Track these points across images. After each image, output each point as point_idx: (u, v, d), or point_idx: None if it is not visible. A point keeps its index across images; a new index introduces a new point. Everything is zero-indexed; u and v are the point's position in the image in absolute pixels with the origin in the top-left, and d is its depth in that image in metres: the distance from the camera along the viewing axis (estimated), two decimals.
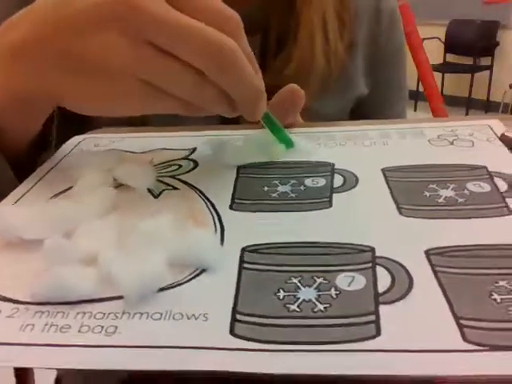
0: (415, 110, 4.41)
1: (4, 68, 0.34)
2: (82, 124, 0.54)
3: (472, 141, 0.41)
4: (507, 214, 0.31)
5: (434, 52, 4.28)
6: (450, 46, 4.71)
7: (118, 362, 0.22)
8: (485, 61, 4.59)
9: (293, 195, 0.35)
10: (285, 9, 0.55)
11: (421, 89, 3.34)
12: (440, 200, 0.33)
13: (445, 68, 4.65)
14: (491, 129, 0.43)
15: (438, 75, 3.92)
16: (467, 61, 4.62)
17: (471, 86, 4.52)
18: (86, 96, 0.34)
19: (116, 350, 0.23)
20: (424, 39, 3.33)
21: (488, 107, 4.66)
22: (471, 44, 4.42)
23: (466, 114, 4.49)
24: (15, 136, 0.38)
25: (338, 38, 0.57)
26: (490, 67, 4.58)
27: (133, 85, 0.32)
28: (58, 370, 0.58)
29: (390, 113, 0.69)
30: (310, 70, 0.55)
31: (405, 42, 0.68)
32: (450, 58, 4.78)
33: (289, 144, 0.41)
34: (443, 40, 4.70)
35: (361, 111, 0.64)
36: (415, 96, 4.22)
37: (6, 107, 0.34)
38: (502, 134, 0.41)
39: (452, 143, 0.41)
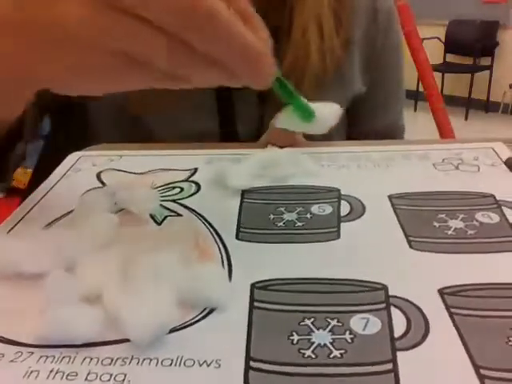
0: (415, 110, 4.40)
1: None
2: (82, 139, 0.54)
3: (477, 165, 0.41)
4: None
5: (434, 52, 4.27)
6: (450, 46, 4.70)
7: None
8: (485, 61, 4.58)
9: (299, 224, 0.34)
10: (279, 6, 0.54)
11: (421, 89, 3.34)
12: (450, 232, 0.32)
13: (445, 68, 4.64)
14: (495, 152, 0.43)
15: (437, 75, 3.91)
16: (467, 61, 4.62)
17: (471, 86, 4.51)
18: (61, 72, 0.30)
19: None
20: (424, 39, 3.31)
21: (488, 107, 4.66)
22: (471, 44, 4.41)
23: (466, 114, 4.49)
24: None
25: (333, 36, 0.56)
26: (489, 67, 4.57)
27: (103, 57, 0.29)
28: None
29: (387, 113, 0.68)
30: (305, 67, 0.54)
31: (402, 41, 0.68)
32: (450, 58, 4.77)
33: (308, 114, 0.35)
34: (443, 40, 4.69)
35: (358, 111, 0.64)
36: (415, 96, 4.21)
37: None
38: (508, 159, 0.41)
39: (457, 167, 0.41)
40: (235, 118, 0.58)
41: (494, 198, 0.36)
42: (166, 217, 0.36)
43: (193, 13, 0.26)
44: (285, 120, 0.35)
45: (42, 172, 0.42)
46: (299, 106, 0.35)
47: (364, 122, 0.66)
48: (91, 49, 0.29)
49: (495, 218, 0.34)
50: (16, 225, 0.36)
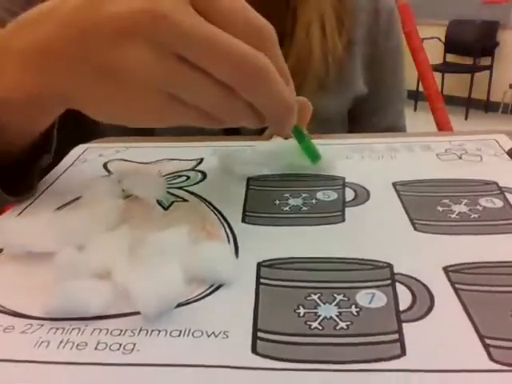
0: (415, 110, 4.40)
1: (24, 64, 0.32)
2: (87, 132, 0.54)
3: (480, 155, 0.41)
4: None
5: (434, 52, 4.28)
6: (450, 45, 4.70)
7: (137, 381, 0.22)
8: (485, 61, 4.58)
9: (305, 209, 0.35)
10: (283, 7, 0.55)
11: (421, 89, 3.34)
12: (453, 216, 0.33)
13: (445, 68, 4.65)
14: (498, 143, 0.43)
15: (437, 75, 3.91)
16: (467, 61, 4.62)
17: (471, 86, 4.51)
18: (105, 104, 0.32)
19: (135, 368, 0.22)
20: (424, 39, 3.31)
21: (488, 107, 4.66)
22: (471, 44, 4.41)
23: (466, 114, 4.49)
24: (19, 133, 0.37)
25: (336, 36, 0.57)
26: (489, 67, 4.58)
27: (157, 98, 0.30)
28: None
29: (389, 113, 0.68)
30: (308, 67, 0.55)
31: (403, 42, 0.68)
32: (450, 57, 4.78)
33: (315, 157, 0.39)
34: (443, 40, 4.70)
35: (359, 112, 0.64)
36: (415, 96, 4.21)
37: (19, 103, 0.33)
38: (510, 149, 0.42)
39: (460, 157, 0.41)
40: (239, 129, 0.58)
41: (497, 184, 0.36)
42: (172, 202, 0.37)
43: (251, 73, 0.29)
44: (270, 150, 0.39)
45: (44, 169, 0.43)
46: (308, 148, 0.39)
47: (365, 122, 0.67)
48: (144, 90, 0.30)
49: (498, 203, 0.34)
50: (24, 209, 0.36)
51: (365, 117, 0.66)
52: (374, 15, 0.62)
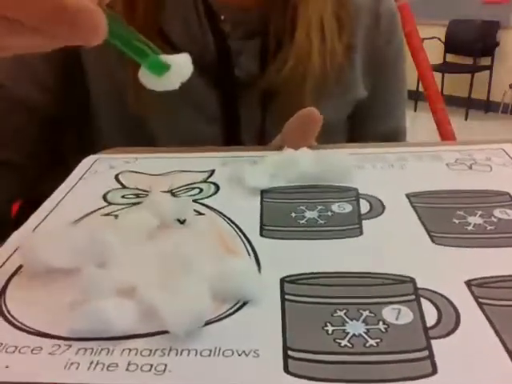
0: (415, 110, 4.40)
1: None
2: (88, 144, 0.54)
3: (490, 165, 0.42)
4: None
5: (434, 52, 4.28)
6: (450, 46, 4.70)
7: None
8: (485, 61, 4.59)
9: (321, 222, 0.35)
10: (283, 9, 0.55)
11: (421, 89, 3.34)
12: (469, 228, 0.33)
13: (445, 68, 4.65)
14: (506, 153, 0.44)
15: (437, 75, 3.91)
16: (467, 61, 4.62)
17: (471, 86, 4.51)
18: None
19: None
20: (424, 39, 3.31)
21: (488, 107, 4.66)
22: (471, 44, 4.42)
23: (466, 114, 4.50)
24: None
25: (335, 38, 0.56)
26: (490, 67, 4.58)
27: None
28: None
29: (390, 118, 0.68)
30: (307, 69, 0.55)
31: (404, 45, 0.68)
32: (450, 58, 4.78)
33: (161, 68, 0.32)
34: (443, 40, 4.70)
35: (359, 117, 0.64)
36: (415, 96, 4.21)
37: None
38: None
39: (470, 167, 0.42)
40: (240, 124, 0.58)
41: (510, 195, 0.37)
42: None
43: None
44: (142, 78, 0.33)
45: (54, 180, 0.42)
46: (151, 63, 0.32)
47: (366, 126, 0.66)
48: None
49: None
50: (40, 224, 0.36)
51: (365, 120, 0.65)
52: (375, 17, 0.61)
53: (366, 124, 0.66)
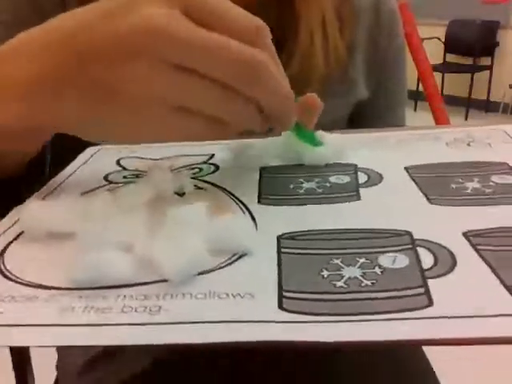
0: (415, 110, 4.40)
1: (23, 96, 0.31)
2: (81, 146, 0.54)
3: (489, 143, 0.42)
4: None
5: (434, 52, 4.28)
6: (450, 45, 4.70)
7: (163, 338, 0.22)
8: (485, 61, 4.59)
9: (319, 191, 0.35)
10: (285, 8, 0.55)
11: (421, 89, 3.34)
12: (467, 191, 0.33)
13: (445, 68, 4.65)
14: (507, 133, 0.44)
15: (438, 75, 3.91)
16: (467, 61, 4.62)
17: (471, 86, 4.51)
18: (111, 126, 0.32)
19: (164, 326, 0.22)
20: (424, 39, 3.32)
21: (488, 107, 4.66)
22: (471, 44, 4.42)
23: (466, 114, 4.50)
24: (16, 159, 0.37)
25: (337, 36, 0.56)
26: (489, 67, 4.58)
27: (162, 113, 0.30)
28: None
29: (391, 117, 0.68)
30: (311, 68, 0.55)
31: (405, 44, 0.68)
32: (450, 58, 4.78)
33: (317, 144, 0.40)
34: (443, 40, 4.70)
35: (361, 117, 0.64)
36: (415, 96, 4.21)
37: (18, 134, 0.33)
38: None
39: (469, 145, 0.42)
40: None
41: (508, 164, 0.37)
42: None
43: (250, 70, 0.29)
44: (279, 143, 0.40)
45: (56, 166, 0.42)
46: (309, 137, 0.39)
47: (366, 126, 0.66)
48: (149, 106, 0.30)
49: (511, 179, 0.35)
50: (43, 199, 0.36)
51: (367, 119, 0.65)
52: (376, 16, 0.61)
53: (367, 122, 0.66)
